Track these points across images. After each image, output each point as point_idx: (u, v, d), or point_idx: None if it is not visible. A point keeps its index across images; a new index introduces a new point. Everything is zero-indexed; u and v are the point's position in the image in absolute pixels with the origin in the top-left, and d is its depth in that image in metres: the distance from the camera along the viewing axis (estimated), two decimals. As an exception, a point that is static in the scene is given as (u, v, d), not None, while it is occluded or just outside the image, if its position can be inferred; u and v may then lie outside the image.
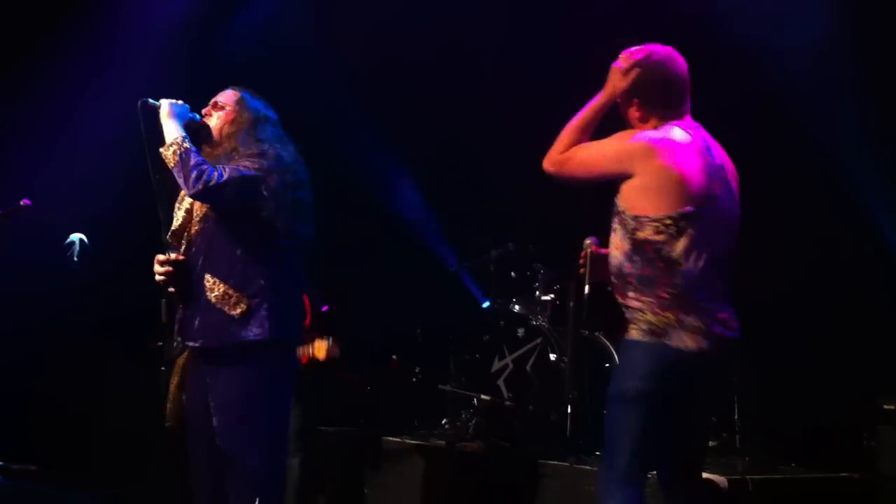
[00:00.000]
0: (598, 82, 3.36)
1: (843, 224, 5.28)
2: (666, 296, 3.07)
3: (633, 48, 3.29)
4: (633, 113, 3.27)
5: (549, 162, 3.31)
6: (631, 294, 3.12)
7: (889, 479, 4.54)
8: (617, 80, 3.27)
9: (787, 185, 5.42)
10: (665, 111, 3.22)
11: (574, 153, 3.25)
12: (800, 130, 5.31)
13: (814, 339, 5.24)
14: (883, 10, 5.09)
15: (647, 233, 3.09)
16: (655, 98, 3.24)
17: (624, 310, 3.17)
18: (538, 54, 6.10)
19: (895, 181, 5.16)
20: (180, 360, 3.64)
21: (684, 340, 3.05)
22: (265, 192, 3.47)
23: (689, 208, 3.07)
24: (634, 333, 3.11)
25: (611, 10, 5.65)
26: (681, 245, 3.08)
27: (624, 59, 3.27)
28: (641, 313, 3.09)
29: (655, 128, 3.21)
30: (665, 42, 3.35)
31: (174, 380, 3.65)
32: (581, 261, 3.34)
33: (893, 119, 5.09)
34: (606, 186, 3.29)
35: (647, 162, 3.10)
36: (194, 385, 3.62)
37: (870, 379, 4.97)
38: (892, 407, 4.67)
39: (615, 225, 3.19)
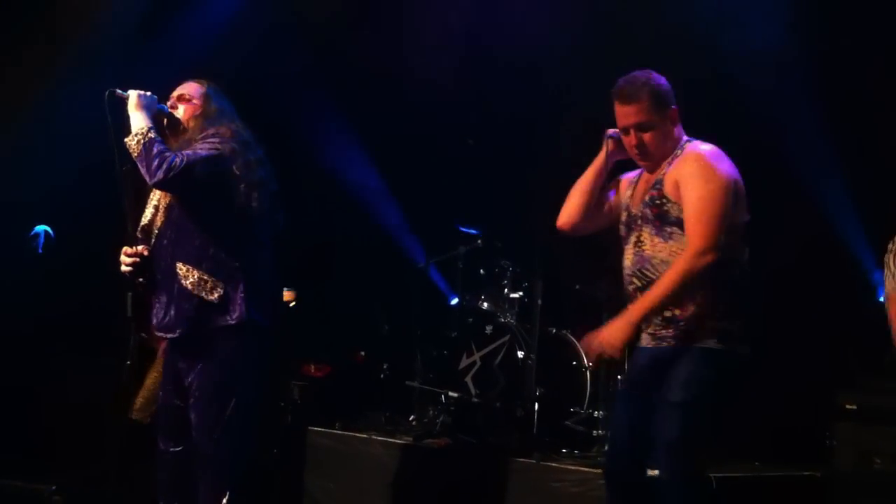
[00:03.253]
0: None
1: (801, 222, 5.34)
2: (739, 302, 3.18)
3: (624, 83, 3.28)
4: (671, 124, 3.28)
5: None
6: (697, 301, 3.13)
7: (849, 476, 4.60)
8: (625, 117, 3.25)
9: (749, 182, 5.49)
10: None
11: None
12: (756, 130, 5.38)
13: (776, 338, 5.29)
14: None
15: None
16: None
17: (675, 318, 3.16)
18: (508, 45, 6.13)
19: (856, 181, 5.24)
20: (159, 355, 3.62)
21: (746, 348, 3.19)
22: (230, 170, 3.45)
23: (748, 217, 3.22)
24: (710, 342, 3.13)
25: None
26: (747, 253, 3.20)
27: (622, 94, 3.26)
28: (712, 321, 3.13)
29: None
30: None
31: (152, 374, 3.63)
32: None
33: (847, 119, 5.17)
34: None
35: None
36: (167, 378, 3.60)
37: (831, 378, 5.04)
38: (852, 406, 4.74)
39: (669, 229, 3.20)
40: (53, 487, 3.42)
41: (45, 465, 5.21)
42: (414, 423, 5.56)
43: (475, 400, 5.30)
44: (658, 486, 3.15)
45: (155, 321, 3.56)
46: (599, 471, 4.25)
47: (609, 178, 3.46)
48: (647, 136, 3.24)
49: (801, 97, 5.29)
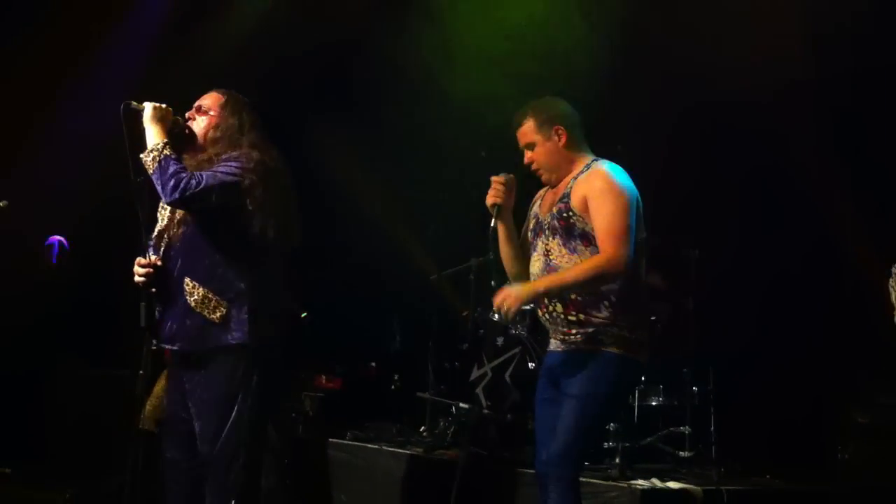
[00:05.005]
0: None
1: (811, 240, 5.34)
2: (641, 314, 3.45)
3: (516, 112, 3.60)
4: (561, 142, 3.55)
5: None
6: (604, 311, 3.38)
7: (862, 490, 4.58)
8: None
9: (769, 195, 5.49)
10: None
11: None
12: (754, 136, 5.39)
13: (790, 353, 5.29)
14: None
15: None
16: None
17: (582, 324, 3.39)
18: (522, 59, 6.15)
19: (867, 194, 5.23)
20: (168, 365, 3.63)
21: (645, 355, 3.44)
22: (247, 199, 3.46)
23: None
24: (613, 348, 3.37)
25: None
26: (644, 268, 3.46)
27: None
28: (618, 329, 3.37)
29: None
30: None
31: (160, 382, 3.63)
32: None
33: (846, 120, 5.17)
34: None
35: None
36: (171, 388, 3.62)
37: (844, 392, 5.02)
38: (865, 420, 4.72)
39: (574, 242, 3.41)
40: (68, 495, 3.44)
41: (60, 474, 5.24)
42: (425, 434, 5.55)
43: (486, 411, 5.29)
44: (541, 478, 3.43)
45: (159, 331, 3.56)
46: (611, 482, 4.26)
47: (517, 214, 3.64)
48: (535, 154, 3.56)
49: (808, 105, 5.29)
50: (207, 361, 3.49)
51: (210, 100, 3.68)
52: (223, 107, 3.65)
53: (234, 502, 3.43)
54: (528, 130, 3.57)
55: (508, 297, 3.37)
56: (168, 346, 3.56)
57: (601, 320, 3.38)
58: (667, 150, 5.60)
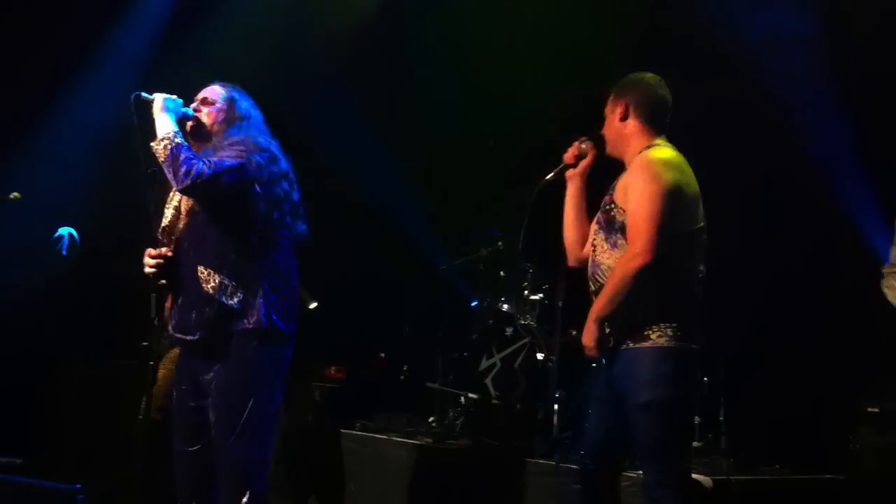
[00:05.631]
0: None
1: (827, 229, 5.32)
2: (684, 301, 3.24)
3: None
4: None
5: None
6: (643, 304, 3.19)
7: (871, 480, 4.58)
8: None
9: (774, 186, 5.47)
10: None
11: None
12: (766, 128, 5.36)
13: (800, 342, 5.28)
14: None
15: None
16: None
17: (635, 319, 3.21)
18: (522, 51, 6.13)
19: (881, 184, 5.21)
20: (171, 355, 3.63)
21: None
22: (254, 183, 3.47)
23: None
24: (660, 341, 3.19)
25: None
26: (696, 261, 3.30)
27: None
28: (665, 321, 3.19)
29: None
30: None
31: (164, 373, 3.63)
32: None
33: (870, 114, 5.14)
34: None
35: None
36: (182, 378, 3.62)
37: (854, 382, 5.01)
38: (875, 410, 4.71)
39: (614, 237, 3.26)
40: (79, 486, 3.44)
41: (71, 467, 5.26)
42: (434, 424, 5.56)
43: (495, 402, 5.30)
44: (643, 488, 3.24)
45: (173, 322, 3.57)
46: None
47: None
48: (604, 128, 3.43)
49: (826, 99, 5.26)
50: (225, 349, 3.49)
51: (214, 93, 3.70)
52: (228, 100, 3.68)
53: (248, 493, 3.43)
54: (608, 102, 3.41)
55: (587, 346, 3.26)
56: (185, 337, 3.56)
57: (640, 315, 3.20)
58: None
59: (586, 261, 3.43)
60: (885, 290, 3.71)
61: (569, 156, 3.47)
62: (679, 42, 5.51)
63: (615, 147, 3.40)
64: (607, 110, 3.41)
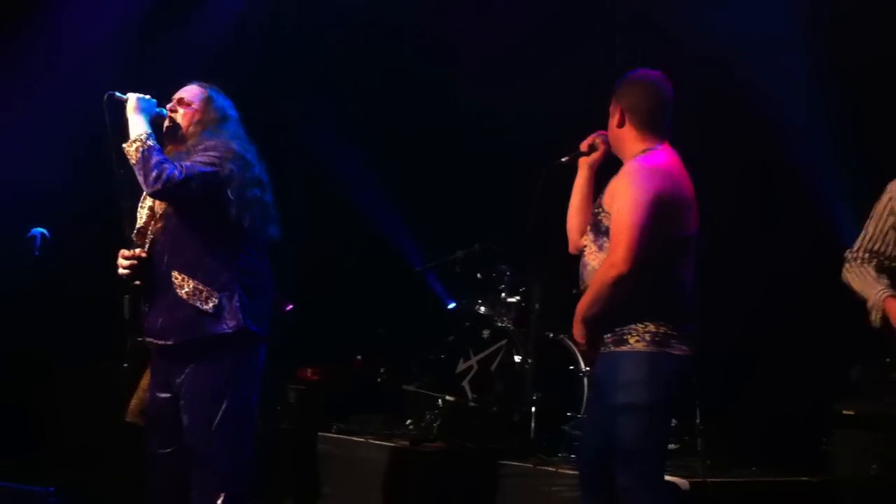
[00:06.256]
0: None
1: (800, 228, 5.34)
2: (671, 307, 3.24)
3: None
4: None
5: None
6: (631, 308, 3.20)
7: (845, 482, 4.60)
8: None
9: (748, 187, 5.49)
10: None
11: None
12: (746, 126, 5.38)
13: (774, 344, 5.30)
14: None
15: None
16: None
17: (616, 323, 3.23)
18: (508, 51, 6.13)
19: (859, 186, 5.23)
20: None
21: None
22: (226, 189, 3.46)
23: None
24: (639, 346, 3.20)
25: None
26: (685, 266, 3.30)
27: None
28: (644, 326, 3.20)
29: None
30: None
31: (146, 376, 3.61)
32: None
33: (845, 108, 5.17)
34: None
35: None
36: (155, 382, 3.59)
37: (829, 383, 5.03)
38: (850, 412, 4.73)
39: (601, 240, 3.27)
40: (51, 489, 3.41)
41: (43, 469, 5.20)
42: (410, 426, 5.54)
43: (472, 404, 5.29)
44: (619, 490, 3.23)
45: (147, 327, 3.55)
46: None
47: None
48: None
49: (810, 99, 5.28)
50: (198, 353, 3.47)
51: (192, 93, 3.67)
52: (205, 101, 3.65)
53: (223, 495, 3.41)
54: (611, 101, 3.39)
55: (579, 343, 3.33)
56: (157, 341, 3.54)
57: (627, 318, 3.21)
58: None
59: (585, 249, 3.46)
60: (847, 276, 3.62)
61: (584, 145, 3.48)
62: (675, 41, 5.51)
63: (615, 149, 3.42)
64: (610, 110, 3.40)
